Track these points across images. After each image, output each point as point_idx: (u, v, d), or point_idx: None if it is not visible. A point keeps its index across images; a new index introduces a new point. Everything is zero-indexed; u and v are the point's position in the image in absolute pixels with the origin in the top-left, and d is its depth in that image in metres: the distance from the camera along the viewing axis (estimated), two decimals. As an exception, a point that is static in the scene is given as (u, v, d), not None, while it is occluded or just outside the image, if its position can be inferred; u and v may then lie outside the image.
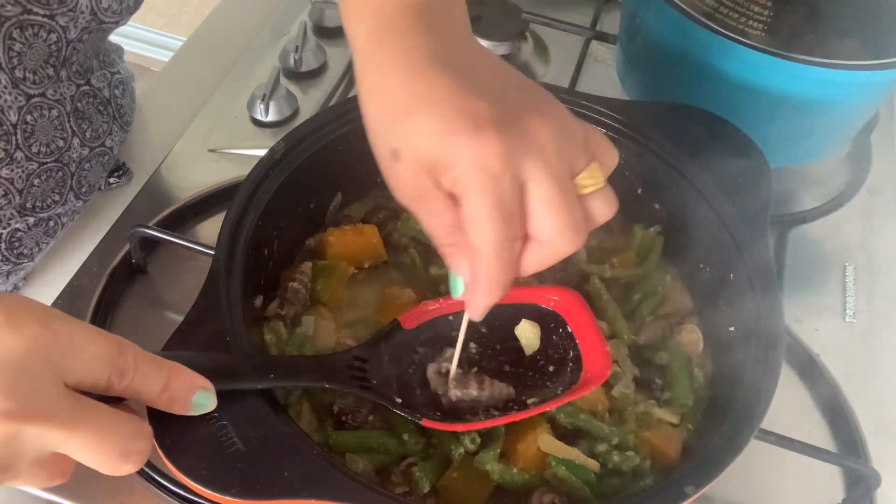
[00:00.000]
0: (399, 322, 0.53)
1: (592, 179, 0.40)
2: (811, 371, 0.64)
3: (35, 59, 0.57)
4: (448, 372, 0.50)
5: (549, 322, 0.54)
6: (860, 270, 0.72)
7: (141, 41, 1.99)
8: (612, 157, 0.42)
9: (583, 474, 0.49)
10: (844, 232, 0.75)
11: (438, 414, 0.49)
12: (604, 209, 0.41)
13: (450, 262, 0.41)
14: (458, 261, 0.40)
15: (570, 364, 0.52)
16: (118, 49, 0.75)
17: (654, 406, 0.53)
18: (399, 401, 0.49)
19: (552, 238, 0.39)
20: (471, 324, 0.46)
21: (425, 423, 0.48)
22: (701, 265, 0.58)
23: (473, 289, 0.40)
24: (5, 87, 0.56)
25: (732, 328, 0.54)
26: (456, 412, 0.50)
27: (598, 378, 0.50)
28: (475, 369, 0.52)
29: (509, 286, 0.40)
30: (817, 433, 0.62)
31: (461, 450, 0.50)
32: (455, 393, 0.49)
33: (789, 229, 0.73)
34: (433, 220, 0.40)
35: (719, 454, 0.45)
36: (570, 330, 0.54)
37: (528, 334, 0.53)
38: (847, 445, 0.61)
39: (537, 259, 0.40)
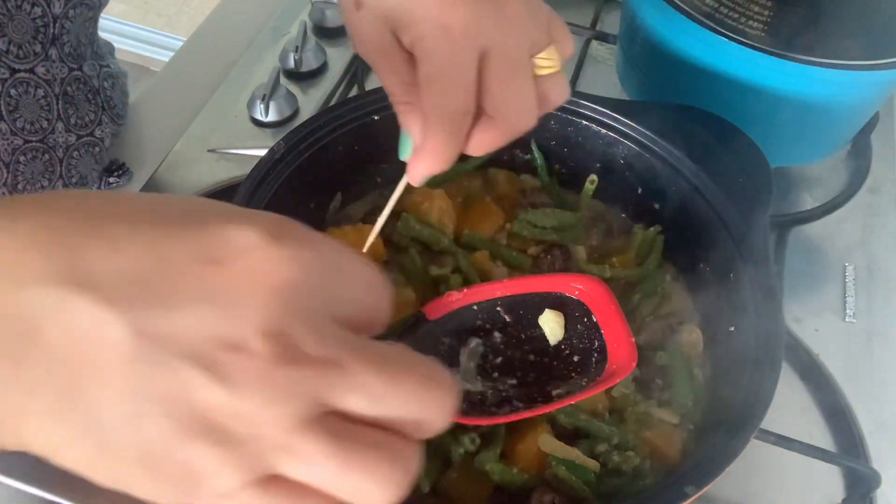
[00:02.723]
0: (423, 313, 0.52)
1: (550, 62, 0.41)
2: (811, 371, 0.64)
3: (20, 33, 0.56)
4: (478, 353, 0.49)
5: (574, 311, 0.54)
6: (860, 270, 0.72)
7: (141, 41, 1.99)
8: (569, 44, 0.43)
9: (583, 474, 0.49)
10: (844, 232, 0.75)
11: (465, 405, 0.49)
12: (558, 92, 0.42)
13: (403, 121, 0.40)
14: (411, 119, 0.39)
15: (595, 354, 0.52)
16: (108, 45, 0.75)
17: (654, 406, 0.53)
18: None
19: (504, 114, 0.38)
20: (494, 312, 0.45)
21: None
22: (701, 265, 0.58)
23: (419, 154, 0.39)
24: None
25: (732, 328, 0.54)
26: (481, 406, 0.49)
27: (623, 370, 0.50)
28: (500, 359, 0.52)
29: (454, 159, 0.39)
30: (817, 433, 0.62)
31: (461, 450, 0.50)
32: None
33: (789, 229, 0.73)
34: (391, 77, 0.40)
35: (719, 454, 0.45)
36: (594, 320, 0.53)
37: (551, 324, 0.53)
38: (847, 445, 0.61)
39: (488, 137, 0.40)
